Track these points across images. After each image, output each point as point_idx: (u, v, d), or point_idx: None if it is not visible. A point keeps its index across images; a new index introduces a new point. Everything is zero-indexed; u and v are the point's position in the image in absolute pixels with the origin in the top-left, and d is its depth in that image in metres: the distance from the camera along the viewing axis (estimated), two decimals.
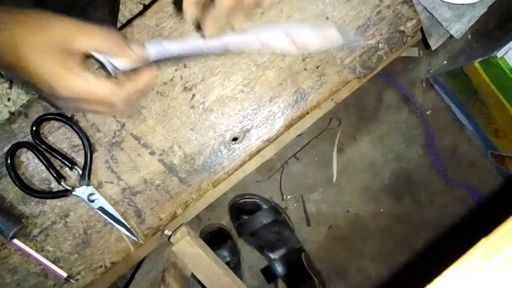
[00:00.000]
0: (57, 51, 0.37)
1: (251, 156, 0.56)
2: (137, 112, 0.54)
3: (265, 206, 1.05)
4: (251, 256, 1.12)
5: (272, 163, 1.11)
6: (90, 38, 0.38)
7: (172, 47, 0.42)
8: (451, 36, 0.55)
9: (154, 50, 0.41)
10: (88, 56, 0.40)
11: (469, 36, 1.07)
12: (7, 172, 0.52)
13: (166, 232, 0.59)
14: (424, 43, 0.56)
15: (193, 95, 0.55)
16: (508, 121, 0.85)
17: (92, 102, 0.40)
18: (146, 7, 0.53)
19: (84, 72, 0.38)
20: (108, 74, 0.42)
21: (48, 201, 0.55)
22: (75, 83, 0.38)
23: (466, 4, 0.52)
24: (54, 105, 0.53)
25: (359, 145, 1.12)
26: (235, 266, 1.06)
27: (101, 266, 0.56)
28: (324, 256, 1.14)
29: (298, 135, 0.62)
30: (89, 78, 0.38)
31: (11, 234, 0.52)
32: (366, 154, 1.12)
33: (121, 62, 0.40)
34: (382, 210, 1.14)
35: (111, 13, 0.84)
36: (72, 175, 0.55)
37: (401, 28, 0.54)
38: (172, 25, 0.53)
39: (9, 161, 0.52)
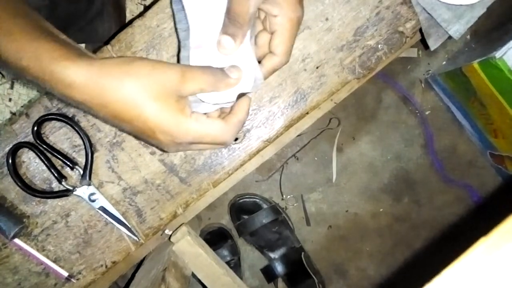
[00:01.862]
0: (172, 98, 0.37)
1: (251, 156, 0.56)
2: None
3: (265, 206, 1.05)
4: (251, 256, 1.12)
5: (272, 163, 1.11)
6: (196, 81, 0.38)
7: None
8: (450, 37, 0.55)
9: None
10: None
11: (468, 36, 1.08)
12: (8, 172, 0.53)
13: (166, 231, 0.59)
14: (423, 43, 0.56)
15: None
16: (506, 122, 0.85)
17: (205, 143, 0.41)
18: (147, 8, 0.53)
19: (197, 114, 0.39)
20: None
21: (49, 201, 0.55)
22: (193, 127, 0.38)
23: (465, 5, 0.53)
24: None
25: (359, 145, 1.12)
26: (235, 265, 1.06)
27: (102, 266, 0.56)
28: (324, 255, 1.14)
29: (298, 135, 0.62)
30: (203, 120, 0.39)
31: (12, 234, 0.52)
32: (365, 154, 1.13)
33: (223, 97, 0.41)
34: (381, 209, 1.14)
35: (118, 24, 0.84)
36: (73, 175, 0.55)
37: (400, 29, 0.54)
38: (172, 26, 0.53)
39: (10, 161, 0.52)
